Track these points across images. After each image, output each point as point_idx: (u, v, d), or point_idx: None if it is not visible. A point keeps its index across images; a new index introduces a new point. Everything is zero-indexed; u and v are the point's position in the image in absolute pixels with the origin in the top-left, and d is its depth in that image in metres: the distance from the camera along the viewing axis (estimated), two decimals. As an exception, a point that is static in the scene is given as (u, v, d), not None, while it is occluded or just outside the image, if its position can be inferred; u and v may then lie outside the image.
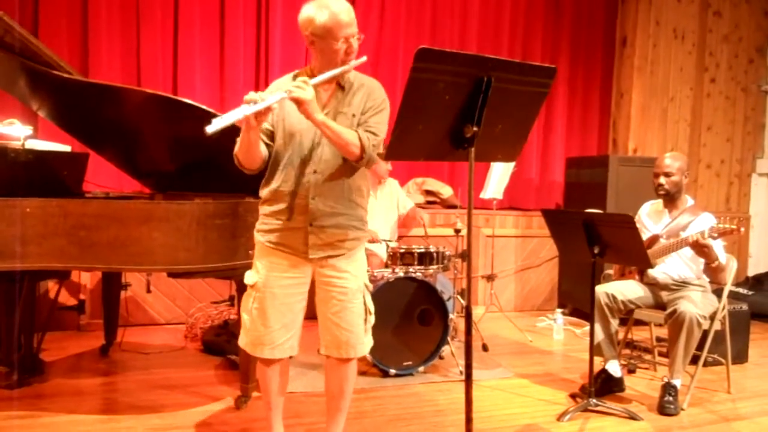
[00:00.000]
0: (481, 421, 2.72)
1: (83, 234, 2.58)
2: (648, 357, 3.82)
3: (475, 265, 5.08)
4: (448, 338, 3.46)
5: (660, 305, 3.23)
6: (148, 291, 3.90)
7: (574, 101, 5.67)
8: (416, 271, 3.38)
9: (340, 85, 2.08)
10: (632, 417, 2.88)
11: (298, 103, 1.89)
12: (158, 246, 2.60)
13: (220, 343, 3.66)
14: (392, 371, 3.30)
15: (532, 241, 5.30)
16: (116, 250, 2.59)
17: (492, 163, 4.52)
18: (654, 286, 3.27)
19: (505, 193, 4.70)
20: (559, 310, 4.65)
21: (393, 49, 5.05)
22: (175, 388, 3.08)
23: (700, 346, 3.11)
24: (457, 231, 4.08)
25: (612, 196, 4.67)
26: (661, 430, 2.81)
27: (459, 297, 4.09)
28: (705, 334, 3.08)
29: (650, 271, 3.25)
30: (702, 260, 3.06)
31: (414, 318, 3.33)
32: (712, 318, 3.08)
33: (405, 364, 3.33)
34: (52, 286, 3.91)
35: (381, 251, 3.91)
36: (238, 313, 2.44)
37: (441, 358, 3.54)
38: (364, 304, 2.14)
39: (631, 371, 3.60)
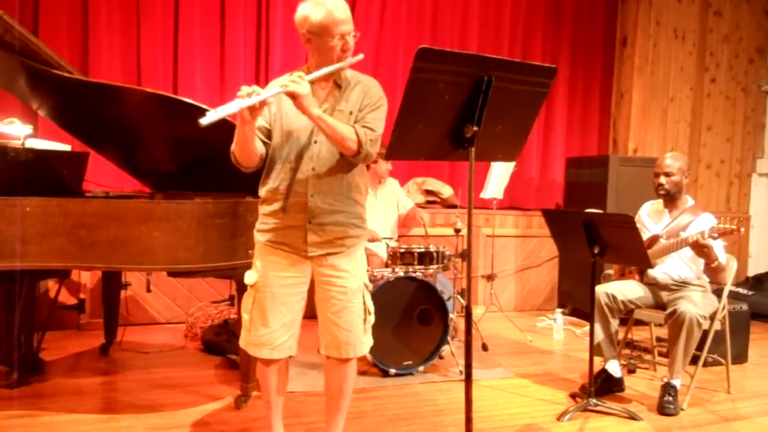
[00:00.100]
0: (481, 421, 2.72)
1: (83, 233, 2.58)
2: (648, 357, 3.82)
3: (475, 264, 5.08)
4: (448, 338, 3.46)
5: (660, 305, 3.23)
6: (148, 290, 3.91)
7: (574, 101, 5.67)
8: (416, 271, 3.38)
9: (337, 83, 2.08)
10: (632, 417, 2.88)
11: (294, 97, 1.88)
12: (158, 245, 2.60)
13: (220, 342, 3.66)
14: (392, 371, 3.30)
15: (532, 241, 5.30)
16: (116, 250, 2.59)
17: (492, 163, 4.52)
18: (654, 286, 3.27)
19: (505, 192, 4.71)
20: (559, 310, 4.65)
21: (393, 49, 5.05)
22: (175, 387, 3.08)
23: (700, 346, 3.11)
24: (457, 231, 4.08)
25: (612, 196, 4.67)
26: (661, 430, 2.81)
27: (459, 297, 4.09)
28: (705, 334, 3.08)
29: (650, 271, 3.25)
30: (702, 260, 3.07)
31: (414, 318, 3.33)
32: (712, 318, 3.08)
33: (405, 363, 3.33)
34: (52, 285, 3.90)
35: (381, 251, 3.91)
36: (238, 313, 2.45)
37: (441, 357, 3.54)
38: (364, 303, 2.14)
39: (631, 371, 3.60)
